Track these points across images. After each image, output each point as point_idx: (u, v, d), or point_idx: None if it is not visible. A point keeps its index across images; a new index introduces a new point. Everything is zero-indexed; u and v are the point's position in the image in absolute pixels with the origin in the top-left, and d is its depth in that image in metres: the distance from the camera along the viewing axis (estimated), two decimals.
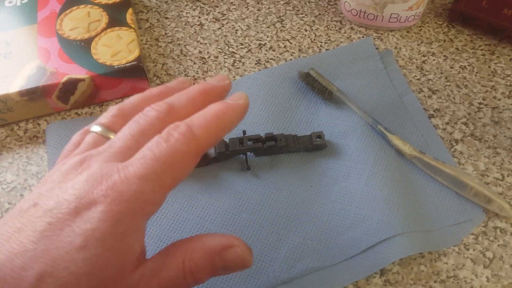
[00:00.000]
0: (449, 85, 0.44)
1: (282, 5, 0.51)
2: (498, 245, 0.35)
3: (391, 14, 0.46)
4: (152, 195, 0.21)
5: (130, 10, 0.45)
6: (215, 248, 0.23)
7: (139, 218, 0.21)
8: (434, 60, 0.46)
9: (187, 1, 0.52)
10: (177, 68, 0.45)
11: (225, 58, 0.46)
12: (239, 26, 0.49)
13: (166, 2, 0.52)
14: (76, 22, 0.44)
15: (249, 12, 0.51)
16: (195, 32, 0.49)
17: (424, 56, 0.46)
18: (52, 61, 0.41)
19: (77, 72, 0.40)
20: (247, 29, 0.49)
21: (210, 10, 0.51)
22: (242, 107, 0.25)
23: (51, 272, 0.19)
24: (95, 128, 0.25)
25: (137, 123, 0.23)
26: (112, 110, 0.26)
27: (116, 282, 0.21)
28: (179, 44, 0.48)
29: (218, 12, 0.51)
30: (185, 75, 0.45)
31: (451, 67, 0.45)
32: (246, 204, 0.36)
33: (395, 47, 0.47)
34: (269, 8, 0.51)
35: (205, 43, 0.48)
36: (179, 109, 0.24)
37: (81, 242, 0.20)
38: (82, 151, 0.24)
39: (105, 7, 0.45)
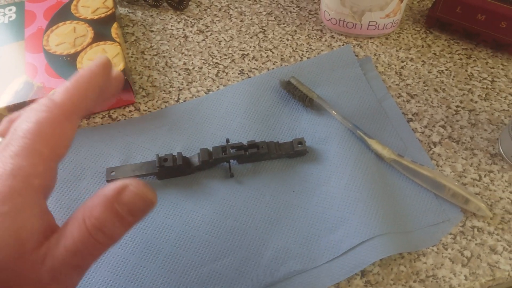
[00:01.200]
0: (427, 90, 0.45)
1: (265, 15, 0.53)
2: (476, 244, 0.35)
3: (369, 22, 0.47)
4: (33, 168, 0.21)
5: (115, 25, 0.46)
6: (110, 195, 0.22)
7: (26, 194, 0.21)
8: (412, 65, 0.47)
9: (172, 14, 0.53)
10: (162, 79, 0.47)
11: (209, 69, 0.47)
12: (222, 37, 0.50)
13: (151, 15, 0.53)
14: (62, 37, 0.45)
15: (232, 23, 0.52)
16: (179, 44, 0.50)
17: (402, 62, 0.47)
18: (39, 76, 0.42)
19: None
20: (230, 40, 0.50)
21: (194, 23, 0.52)
22: (99, 65, 0.26)
23: None
24: None
25: (17, 118, 0.24)
26: (4, 119, 0.26)
27: (18, 262, 0.20)
28: (164, 56, 0.49)
29: (202, 24, 0.52)
30: (170, 86, 0.46)
31: (429, 72, 0.46)
32: (230, 211, 0.37)
33: (375, 54, 0.48)
34: (251, 19, 0.52)
35: (190, 55, 0.49)
36: (51, 93, 0.25)
37: None
38: None
39: (91, 22, 0.46)
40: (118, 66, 0.43)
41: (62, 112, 0.23)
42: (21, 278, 0.20)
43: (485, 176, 0.39)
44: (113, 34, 0.45)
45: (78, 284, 0.23)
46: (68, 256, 0.21)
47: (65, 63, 0.43)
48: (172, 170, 0.38)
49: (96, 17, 0.47)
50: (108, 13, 0.47)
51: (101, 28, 0.46)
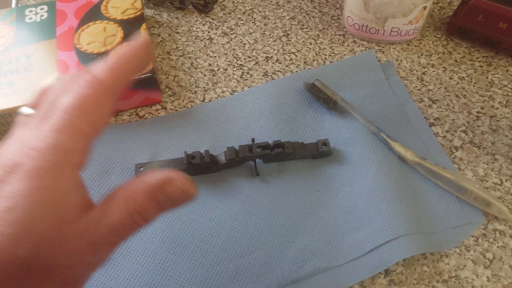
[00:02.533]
0: (448, 95, 0.46)
1: (288, 20, 0.54)
2: (498, 247, 0.36)
3: (392, 28, 0.48)
4: (72, 144, 0.22)
5: (143, 25, 0.47)
6: (155, 184, 0.23)
7: (66, 169, 0.21)
8: (433, 71, 0.48)
9: (197, 16, 0.54)
10: (188, 80, 0.48)
11: (233, 70, 0.48)
12: (246, 40, 0.52)
13: (176, 17, 0.54)
14: (93, 36, 0.46)
15: (256, 27, 0.53)
16: (204, 46, 0.51)
17: (424, 67, 0.48)
18: (70, 73, 0.43)
19: None
20: (254, 42, 0.51)
21: (219, 25, 0.53)
22: (140, 45, 0.26)
23: None
24: (23, 110, 0.25)
25: (52, 90, 0.24)
26: (37, 92, 0.26)
27: (59, 231, 0.21)
28: (189, 57, 0.50)
29: (227, 27, 0.53)
30: (196, 86, 0.47)
31: (450, 78, 0.47)
32: (255, 209, 0.38)
33: (396, 59, 0.49)
34: (275, 23, 0.53)
35: (215, 56, 0.50)
36: (92, 69, 0.25)
37: (9, 204, 0.20)
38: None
39: (120, 22, 0.48)
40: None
41: (104, 90, 0.23)
42: (61, 248, 0.21)
43: (506, 181, 0.40)
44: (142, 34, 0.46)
45: (111, 257, 0.24)
46: (108, 233, 0.22)
47: (95, 61, 0.44)
48: (199, 167, 0.39)
49: (125, 17, 0.48)
50: (137, 14, 0.48)
51: (130, 28, 0.47)
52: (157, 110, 0.45)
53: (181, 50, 0.51)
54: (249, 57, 0.50)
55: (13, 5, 0.57)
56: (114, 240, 0.23)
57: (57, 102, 0.23)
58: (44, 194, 0.20)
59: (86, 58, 0.44)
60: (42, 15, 0.48)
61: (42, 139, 0.21)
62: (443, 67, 0.48)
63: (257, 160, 0.40)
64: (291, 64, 0.49)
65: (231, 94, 0.46)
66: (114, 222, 0.22)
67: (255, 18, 0.54)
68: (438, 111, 0.45)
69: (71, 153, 0.22)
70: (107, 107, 0.24)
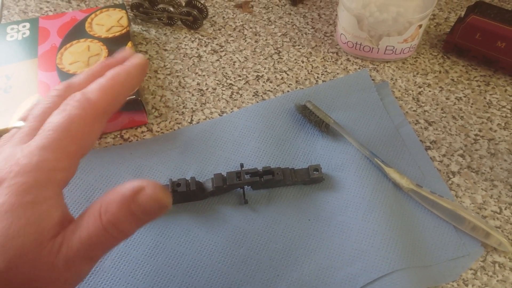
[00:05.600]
0: (445, 117, 0.44)
1: (279, 36, 0.52)
2: (497, 281, 0.34)
3: (387, 46, 0.47)
4: (57, 163, 0.22)
5: (129, 44, 0.45)
6: (127, 194, 0.22)
7: (48, 187, 0.22)
8: (430, 91, 0.46)
9: (186, 33, 0.53)
10: (175, 100, 0.46)
11: (223, 90, 0.47)
12: (236, 57, 0.50)
13: (165, 34, 0.52)
14: (76, 56, 0.44)
15: (247, 43, 0.51)
16: (193, 64, 0.49)
17: (420, 87, 0.47)
18: (61, 87, 0.41)
19: None
20: (244, 60, 0.50)
21: (208, 42, 0.52)
22: (137, 66, 0.25)
23: None
24: (17, 123, 0.26)
25: (40, 106, 0.24)
26: (28, 107, 0.27)
27: (36, 249, 0.21)
28: (177, 76, 0.48)
29: (216, 44, 0.51)
30: (183, 107, 0.45)
31: (447, 98, 0.46)
32: (243, 239, 0.36)
33: (391, 78, 0.47)
34: (266, 40, 0.52)
35: (203, 75, 0.48)
36: (79, 84, 0.25)
37: None
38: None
39: (105, 41, 0.46)
40: None
41: (94, 111, 0.23)
42: (37, 264, 0.21)
43: (505, 209, 0.38)
44: None
45: (89, 273, 0.24)
46: (82, 248, 0.22)
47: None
48: (185, 195, 0.38)
49: (110, 35, 0.46)
50: (123, 31, 0.46)
51: (115, 47, 0.45)
52: (142, 132, 0.44)
53: (168, 68, 0.49)
54: (239, 76, 0.48)
55: None
56: (89, 255, 0.22)
57: (47, 120, 0.23)
58: (22, 211, 0.21)
59: (68, 79, 0.43)
60: (24, 33, 0.47)
61: (28, 155, 0.21)
62: (440, 87, 0.47)
63: (246, 187, 0.39)
64: (283, 83, 0.47)
65: (219, 115, 0.45)
66: (89, 236, 0.22)
67: (245, 35, 0.52)
68: (434, 133, 0.43)
69: (55, 172, 0.22)
70: (96, 130, 0.24)
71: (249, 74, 0.48)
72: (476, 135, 0.43)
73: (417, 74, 0.48)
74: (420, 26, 0.45)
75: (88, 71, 0.27)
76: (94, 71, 0.27)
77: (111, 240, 0.22)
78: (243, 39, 0.52)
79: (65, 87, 0.25)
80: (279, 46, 0.51)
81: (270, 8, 0.56)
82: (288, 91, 0.46)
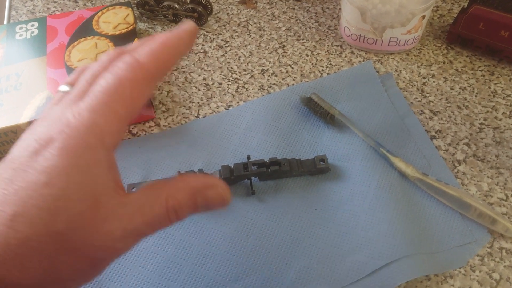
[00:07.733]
0: (450, 106, 0.44)
1: (284, 31, 0.53)
2: (505, 266, 0.34)
3: (390, 38, 0.47)
4: (107, 126, 0.22)
5: (135, 40, 0.46)
6: (198, 187, 0.24)
7: (99, 150, 0.21)
8: (434, 82, 0.47)
9: None
10: (182, 95, 0.46)
11: (228, 84, 0.47)
12: (242, 52, 0.50)
13: (170, 30, 0.53)
14: (84, 53, 0.45)
15: (251, 38, 0.52)
16: (199, 59, 0.50)
17: (424, 78, 0.47)
18: (110, 52, 0.42)
19: None
20: (249, 55, 0.50)
21: (214, 38, 0.52)
22: (187, 31, 0.25)
23: (22, 211, 0.19)
24: (61, 88, 0.25)
25: (90, 69, 0.24)
26: (76, 70, 0.26)
27: (94, 212, 0.21)
28: (183, 71, 0.49)
29: (221, 40, 0.52)
30: (190, 101, 0.46)
31: (451, 89, 0.46)
32: (251, 229, 0.37)
33: (395, 70, 0.48)
34: (270, 34, 0.52)
35: (209, 70, 0.49)
36: (131, 50, 0.24)
37: (45, 178, 0.20)
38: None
39: (112, 38, 0.47)
40: None
41: (145, 74, 0.23)
42: (95, 228, 0.21)
43: (511, 196, 0.38)
44: None
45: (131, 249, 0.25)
46: (142, 224, 0.23)
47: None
48: None
49: (117, 32, 0.47)
50: (129, 28, 0.47)
51: (122, 44, 0.46)
52: (150, 127, 0.44)
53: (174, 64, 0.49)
54: (245, 70, 0.49)
55: (5, 21, 0.56)
56: (145, 232, 0.23)
57: (96, 82, 0.23)
58: (79, 174, 0.21)
59: None
60: (32, 32, 0.47)
61: (78, 117, 0.21)
62: (444, 77, 0.47)
63: (253, 178, 0.39)
64: (288, 76, 0.48)
65: (226, 109, 0.45)
66: (152, 216, 0.23)
67: (250, 30, 0.53)
68: (439, 123, 0.43)
69: (104, 135, 0.22)
70: (145, 93, 0.23)
71: (254, 68, 0.49)
72: (481, 124, 0.43)
73: (421, 65, 0.48)
74: (423, 17, 0.45)
75: (141, 40, 0.26)
76: (146, 39, 0.26)
77: (166, 223, 0.24)
78: (248, 34, 0.52)
79: (116, 52, 0.25)
80: (283, 40, 0.52)
81: (274, 4, 0.56)
82: (293, 84, 0.47)
